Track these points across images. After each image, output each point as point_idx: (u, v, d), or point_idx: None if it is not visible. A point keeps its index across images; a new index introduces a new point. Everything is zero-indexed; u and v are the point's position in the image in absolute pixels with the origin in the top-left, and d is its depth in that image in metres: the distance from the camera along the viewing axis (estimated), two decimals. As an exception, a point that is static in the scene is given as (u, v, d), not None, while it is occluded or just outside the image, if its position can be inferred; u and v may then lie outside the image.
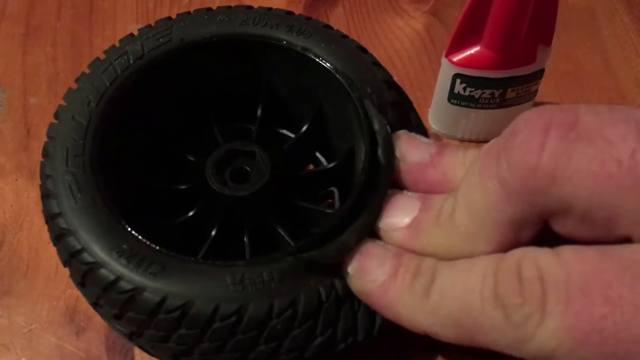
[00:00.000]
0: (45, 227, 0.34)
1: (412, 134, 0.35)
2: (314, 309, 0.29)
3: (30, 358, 0.39)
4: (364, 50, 0.38)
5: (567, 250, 0.26)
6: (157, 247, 0.30)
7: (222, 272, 0.29)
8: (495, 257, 0.28)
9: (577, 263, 0.25)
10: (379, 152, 0.33)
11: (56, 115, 0.36)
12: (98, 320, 0.39)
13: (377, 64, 0.38)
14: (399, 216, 0.32)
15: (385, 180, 0.32)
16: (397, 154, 0.33)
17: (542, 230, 0.28)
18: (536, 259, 0.26)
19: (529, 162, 0.26)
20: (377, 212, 0.32)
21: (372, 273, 0.30)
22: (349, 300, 0.31)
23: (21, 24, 0.55)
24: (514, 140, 0.27)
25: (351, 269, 0.31)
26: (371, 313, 0.31)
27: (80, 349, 0.39)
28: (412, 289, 0.29)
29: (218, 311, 0.28)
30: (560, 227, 0.27)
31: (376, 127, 0.34)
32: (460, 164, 0.32)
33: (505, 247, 0.28)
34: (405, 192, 0.33)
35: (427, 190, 0.32)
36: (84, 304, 0.39)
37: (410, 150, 0.33)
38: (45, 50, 0.53)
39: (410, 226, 0.31)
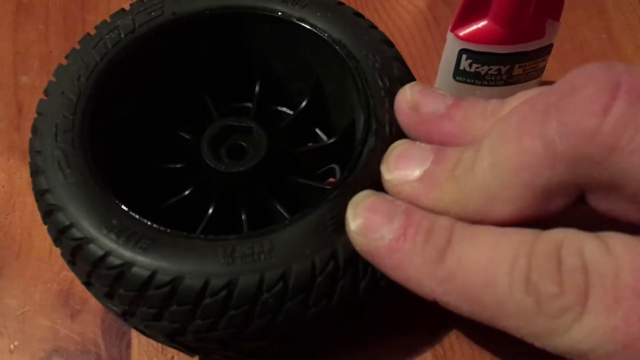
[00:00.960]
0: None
1: (427, 85, 0.32)
2: (307, 280, 0.28)
3: (23, 341, 0.38)
4: (360, 15, 0.37)
5: (616, 241, 0.23)
6: (148, 222, 0.29)
7: (213, 247, 0.28)
8: (529, 235, 0.25)
9: (628, 258, 0.22)
10: (374, 120, 0.32)
11: (46, 92, 0.35)
12: (93, 302, 0.38)
13: (373, 27, 0.37)
14: (410, 168, 0.28)
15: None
16: (410, 103, 0.31)
17: (574, 202, 0.25)
18: (580, 246, 0.23)
19: (588, 126, 0.23)
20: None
21: (378, 231, 0.27)
22: (350, 269, 0.29)
23: (12, 1, 0.54)
24: (572, 97, 0.23)
25: (354, 225, 0.28)
26: (374, 283, 0.30)
27: (74, 332, 0.38)
28: (423, 252, 0.26)
29: (208, 286, 0.27)
30: (600, 202, 0.25)
31: (372, 93, 0.33)
32: (479, 116, 0.29)
33: (527, 214, 0.26)
34: (417, 143, 0.30)
35: (441, 143, 0.29)
36: (79, 286, 0.39)
37: (424, 100, 0.30)
38: (37, 28, 0.52)
39: (421, 179, 0.28)
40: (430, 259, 0.26)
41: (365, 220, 0.28)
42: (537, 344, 0.25)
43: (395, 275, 0.28)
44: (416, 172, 0.28)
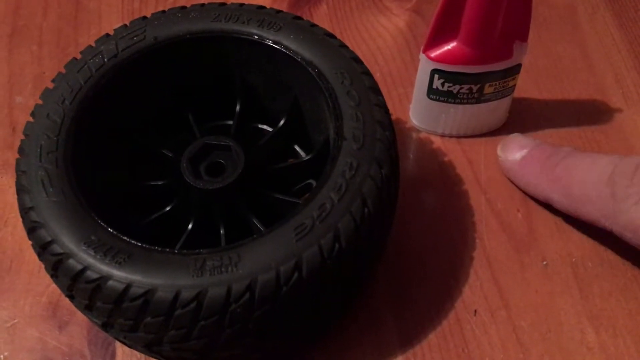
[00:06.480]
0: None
1: None
2: (272, 290, 0.30)
3: (13, 352, 0.39)
4: (331, 35, 0.39)
5: None
6: (125, 238, 0.31)
7: (184, 260, 0.30)
8: (619, 156, 0.37)
9: None
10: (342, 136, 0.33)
11: (32, 114, 0.36)
12: (80, 314, 0.39)
13: (343, 46, 0.39)
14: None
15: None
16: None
17: None
18: None
19: None
20: None
21: (514, 153, 0.44)
22: (314, 280, 0.31)
23: (7, 24, 0.55)
24: None
25: (499, 150, 0.45)
26: (338, 294, 0.31)
27: (62, 343, 0.39)
28: (543, 165, 0.41)
29: (179, 298, 0.29)
30: None
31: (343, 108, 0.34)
32: None
33: None
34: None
35: None
36: (66, 299, 0.39)
37: None
38: (31, 49, 0.54)
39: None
40: (547, 169, 0.40)
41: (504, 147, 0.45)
42: (605, 222, 0.37)
43: (520, 182, 0.43)
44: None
